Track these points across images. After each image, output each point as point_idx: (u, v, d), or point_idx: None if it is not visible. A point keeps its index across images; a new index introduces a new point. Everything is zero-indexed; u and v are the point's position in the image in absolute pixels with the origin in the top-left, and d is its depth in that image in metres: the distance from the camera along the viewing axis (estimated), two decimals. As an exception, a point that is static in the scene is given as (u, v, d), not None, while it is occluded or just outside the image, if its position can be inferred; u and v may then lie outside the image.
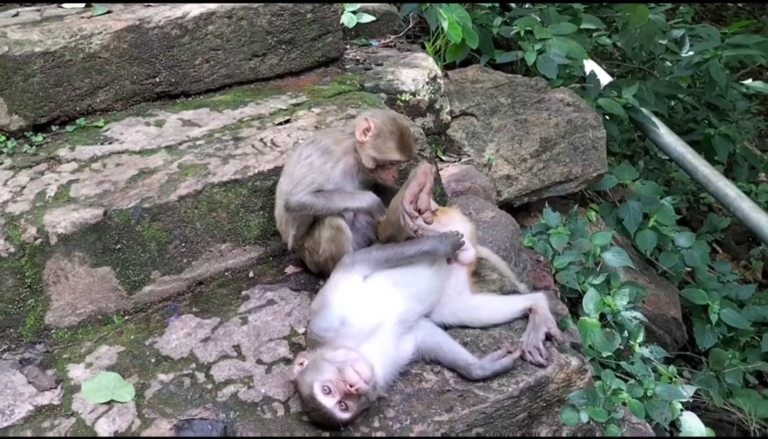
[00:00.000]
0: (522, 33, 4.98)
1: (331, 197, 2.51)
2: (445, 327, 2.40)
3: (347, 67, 3.73)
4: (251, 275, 2.77)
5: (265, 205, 2.78)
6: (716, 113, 5.97)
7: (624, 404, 2.50)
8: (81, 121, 3.21)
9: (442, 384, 2.21)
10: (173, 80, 3.38)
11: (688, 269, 4.83)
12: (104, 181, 2.75)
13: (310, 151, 2.57)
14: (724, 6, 10.50)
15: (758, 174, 6.38)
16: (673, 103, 6.20)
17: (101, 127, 3.18)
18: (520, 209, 4.37)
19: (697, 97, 6.09)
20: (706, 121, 5.88)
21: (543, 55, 4.81)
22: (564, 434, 2.32)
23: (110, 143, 3.02)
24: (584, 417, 2.19)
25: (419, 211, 2.28)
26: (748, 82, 6.39)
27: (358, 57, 3.85)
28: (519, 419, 2.22)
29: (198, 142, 2.99)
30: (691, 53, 5.87)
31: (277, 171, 2.74)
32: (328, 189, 2.53)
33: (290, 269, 2.79)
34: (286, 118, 3.12)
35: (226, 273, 2.77)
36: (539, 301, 2.44)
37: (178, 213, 2.65)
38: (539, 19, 5.14)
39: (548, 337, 2.32)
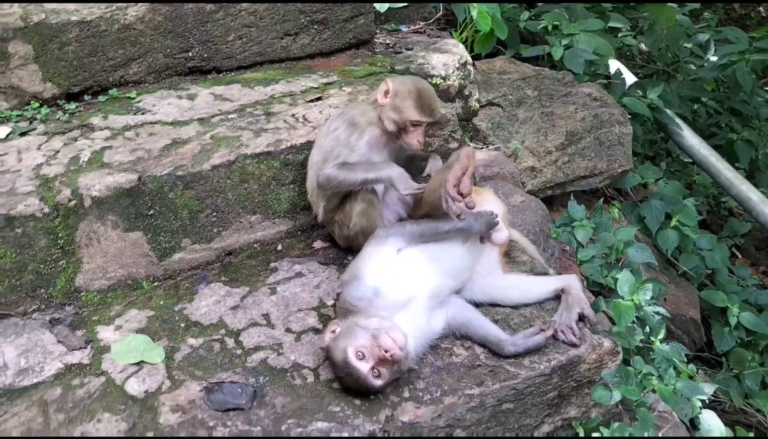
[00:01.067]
0: (549, 28, 4.97)
1: (353, 169, 2.49)
2: (476, 305, 2.39)
3: (377, 50, 3.73)
4: (280, 248, 2.78)
5: (296, 179, 2.78)
6: (739, 119, 5.92)
7: (653, 391, 2.48)
8: (113, 91, 3.23)
9: (473, 359, 2.20)
10: (206, 55, 3.39)
11: (708, 272, 4.79)
12: (137, 149, 2.75)
13: (337, 124, 2.57)
14: (747, 15, 10.44)
15: (780, 181, 6.31)
16: (696, 106, 6.16)
17: (133, 98, 3.19)
18: (543, 202, 4.34)
19: (720, 102, 6.05)
20: (728, 127, 5.84)
21: (570, 51, 4.79)
22: (593, 416, 2.30)
23: (143, 114, 3.04)
24: (617, 396, 2.17)
25: (461, 195, 2.26)
26: (773, 88, 6.35)
27: (388, 41, 3.85)
28: (549, 397, 2.20)
29: (230, 116, 2.99)
30: (714, 58, 5.85)
31: (309, 145, 2.75)
32: (353, 161, 2.52)
33: (318, 244, 2.79)
34: (318, 95, 3.13)
35: (255, 245, 2.77)
36: (572, 281, 2.43)
37: (210, 182, 2.65)
38: (566, 15, 5.13)
39: (581, 318, 2.30)
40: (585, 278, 3.60)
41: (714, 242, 4.66)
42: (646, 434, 2.18)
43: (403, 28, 4.12)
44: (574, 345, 2.23)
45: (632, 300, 3.21)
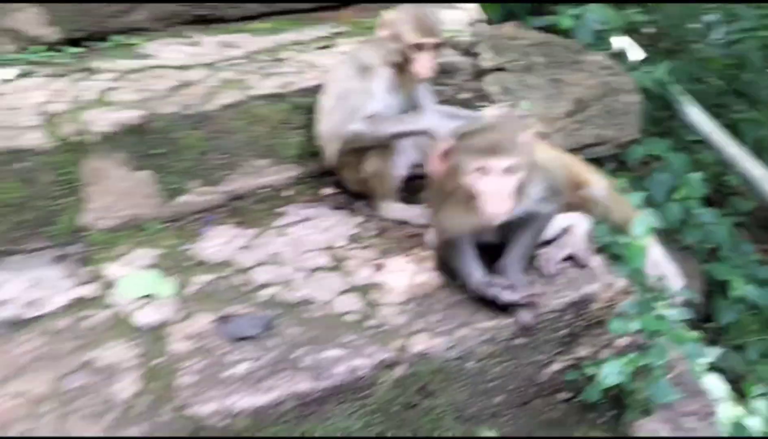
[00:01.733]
0: (560, -2, 4.93)
1: (384, 122, 2.43)
2: None
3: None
4: (288, 193, 2.73)
5: (306, 123, 2.74)
6: (745, 99, 5.90)
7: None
8: (117, 38, 3.18)
9: (485, 296, 2.18)
10: (212, 4, 3.34)
11: (711, 247, 4.79)
12: (144, 89, 2.71)
13: (348, 70, 2.53)
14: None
15: (785, 161, 6.29)
16: (702, 85, 6.14)
17: (137, 44, 3.16)
18: (549, 170, 4.32)
19: (726, 82, 6.03)
20: (734, 107, 5.84)
21: (580, 20, 4.76)
22: (604, 356, 2.27)
23: (147, 58, 2.99)
24: (636, 325, 2.14)
25: None
26: (782, 68, 6.31)
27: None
28: (561, 334, 2.18)
29: (237, 61, 2.96)
30: (722, 40, 5.85)
31: (319, 88, 2.69)
32: (377, 110, 2.47)
33: (327, 191, 2.74)
34: (327, 44, 3.09)
35: (264, 190, 2.73)
36: (579, 221, 2.40)
37: (218, 122, 2.61)
38: (577, -15, 5.09)
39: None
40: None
41: (719, 216, 4.64)
42: (660, 363, 2.17)
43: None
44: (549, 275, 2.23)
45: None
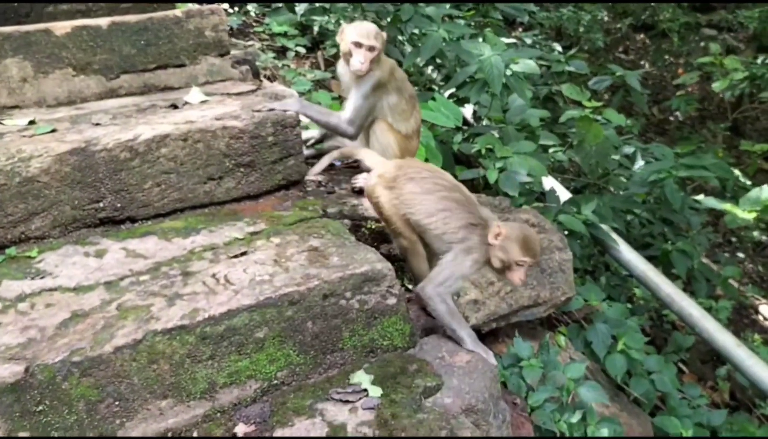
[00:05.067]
0: (483, 151, 4.96)
1: None
2: None
3: (309, 189, 3.53)
4: (195, 435, 2.41)
5: (215, 353, 2.46)
6: (672, 228, 6.00)
7: None
8: (11, 250, 2.88)
9: None
10: (119, 205, 3.10)
11: (658, 394, 4.67)
12: (30, 326, 2.40)
13: None
14: (666, 120, 11.04)
15: (716, 289, 6.38)
16: (629, 217, 6.23)
17: (34, 257, 2.85)
18: (488, 335, 4.14)
19: (652, 213, 6.14)
20: (663, 236, 5.91)
21: (504, 173, 4.77)
22: None
23: (42, 278, 2.69)
24: None
25: None
26: (701, 197, 6.47)
27: (320, 179, 3.67)
28: None
29: (142, 278, 2.68)
30: (642, 168, 5.97)
31: (229, 314, 2.46)
32: None
33: (240, 428, 2.44)
34: (243, 249, 2.86)
35: (167, 434, 2.40)
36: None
37: (112, 367, 2.30)
38: (498, 136, 5.16)
39: None
40: (537, 427, 3.37)
41: (662, 363, 4.59)
42: None
43: (337, 164, 3.97)
44: None
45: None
